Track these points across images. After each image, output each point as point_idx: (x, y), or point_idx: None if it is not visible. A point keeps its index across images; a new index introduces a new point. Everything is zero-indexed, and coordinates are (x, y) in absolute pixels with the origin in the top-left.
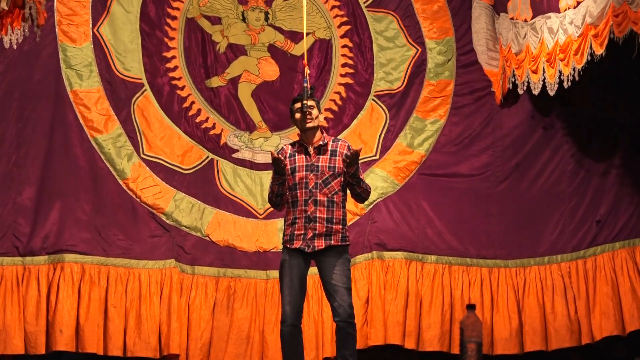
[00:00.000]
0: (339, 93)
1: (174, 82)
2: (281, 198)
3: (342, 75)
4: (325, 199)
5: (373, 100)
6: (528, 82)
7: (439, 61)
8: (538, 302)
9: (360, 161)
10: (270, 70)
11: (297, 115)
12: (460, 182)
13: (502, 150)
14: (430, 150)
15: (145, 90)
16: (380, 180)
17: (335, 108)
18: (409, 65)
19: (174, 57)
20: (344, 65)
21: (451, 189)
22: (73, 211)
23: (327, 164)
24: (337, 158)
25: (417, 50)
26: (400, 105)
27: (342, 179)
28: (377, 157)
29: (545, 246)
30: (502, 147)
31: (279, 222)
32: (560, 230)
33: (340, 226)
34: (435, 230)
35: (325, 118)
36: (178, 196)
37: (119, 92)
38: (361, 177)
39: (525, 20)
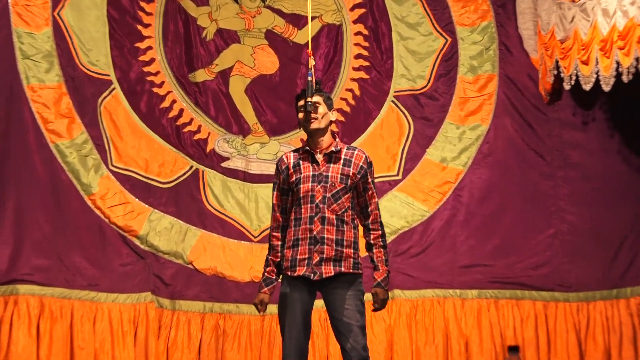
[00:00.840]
0: (351, 90)
1: (149, 78)
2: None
3: (355, 69)
4: (335, 216)
5: (393, 102)
6: (577, 75)
7: (473, 52)
8: (604, 346)
9: (378, 179)
10: (268, 62)
11: (300, 115)
12: (509, 202)
13: (563, 161)
14: (469, 164)
15: (114, 88)
16: (404, 207)
17: (347, 109)
18: (436, 59)
19: (149, 47)
20: (358, 56)
21: (497, 211)
22: (30, 232)
23: (339, 174)
24: (351, 170)
25: (446, 40)
26: (427, 109)
27: (352, 194)
28: (399, 176)
29: (614, 277)
30: (561, 157)
31: None
32: (631, 258)
33: (352, 250)
34: (476, 260)
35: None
36: (154, 216)
37: (84, 90)
38: (387, 271)
39: (573, 1)
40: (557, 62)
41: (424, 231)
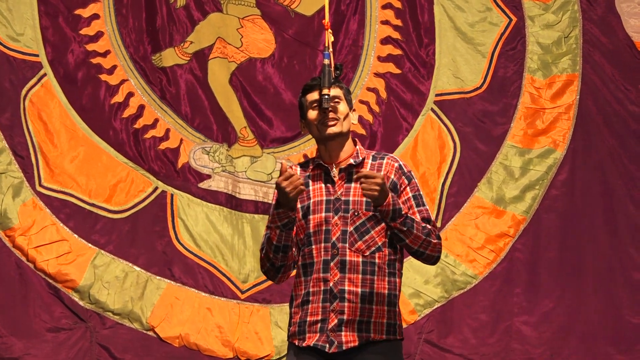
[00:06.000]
0: (374, 91)
1: (95, 60)
2: (285, 256)
3: (381, 60)
4: (360, 259)
5: (433, 111)
6: None
7: (547, 40)
8: None
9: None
10: (261, 40)
11: (312, 115)
12: (593, 269)
13: None
14: (535, 209)
15: (45, 75)
16: (442, 269)
17: (369, 118)
18: (494, 47)
19: (95, 16)
20: (386, 40)
21: (574, 282)
22: None
23: (364, 198)
24: None
25: (510, 19)
26: (480, 122)
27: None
28: (437, 223)
29: None
30: None
31: (275, 309)
32: None
33: (386, 307)
34: (541, 349)
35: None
36: (101, 259)
37: (2, 78)
38: (413, 224)
39: None
40: None
41: (468, 306)
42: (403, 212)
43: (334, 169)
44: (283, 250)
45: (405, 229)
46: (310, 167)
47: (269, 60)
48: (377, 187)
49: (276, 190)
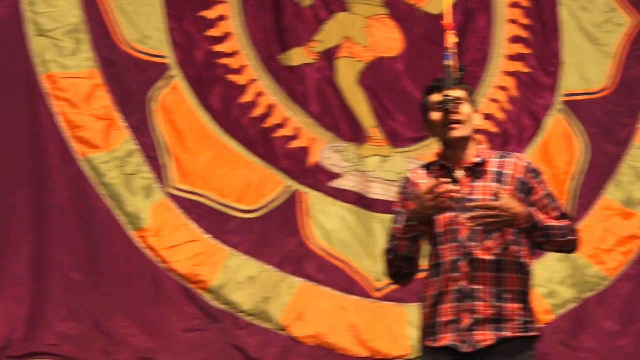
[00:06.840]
0: (505, 89)
1: (223, 60)
2: (411, 265)
3: (510, 58)
4: (490, 257)
5: (560, 111)
6: None
7: None
8: None
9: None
10: (388, 39)
11: (434, 116)
12: None
13: None
14: None
15: (174, 76)
16: (573, 270)
17: (501, 116)
18: (620, 48)
19: (221, 17)
20: (515, 39)
21: None
22: (53, 285)
23: (490, 195)
24: (505, 186)
25: (636, 19)
26: (606, 124)
27: None
28: None
29: None
30: None
31: (410, 307)
32: None
33: (520, 304)
34: None
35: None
36: (233, 260)
37: (129, 80)
38: (551, 232)
39: None
40: None
41: (600, 306)
42: (540, 225)
43: (458, 169)
44: (410, 260)
45: (544, 239)
46: (433, 168)
47: (397, 59)
48: (502, 213)
49: (413, 201)
